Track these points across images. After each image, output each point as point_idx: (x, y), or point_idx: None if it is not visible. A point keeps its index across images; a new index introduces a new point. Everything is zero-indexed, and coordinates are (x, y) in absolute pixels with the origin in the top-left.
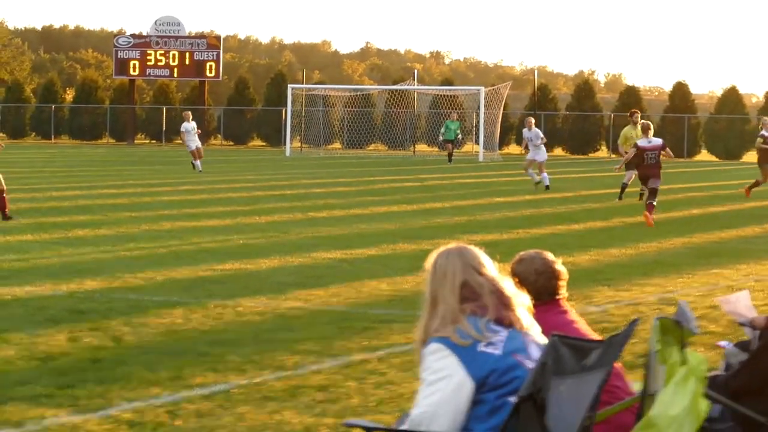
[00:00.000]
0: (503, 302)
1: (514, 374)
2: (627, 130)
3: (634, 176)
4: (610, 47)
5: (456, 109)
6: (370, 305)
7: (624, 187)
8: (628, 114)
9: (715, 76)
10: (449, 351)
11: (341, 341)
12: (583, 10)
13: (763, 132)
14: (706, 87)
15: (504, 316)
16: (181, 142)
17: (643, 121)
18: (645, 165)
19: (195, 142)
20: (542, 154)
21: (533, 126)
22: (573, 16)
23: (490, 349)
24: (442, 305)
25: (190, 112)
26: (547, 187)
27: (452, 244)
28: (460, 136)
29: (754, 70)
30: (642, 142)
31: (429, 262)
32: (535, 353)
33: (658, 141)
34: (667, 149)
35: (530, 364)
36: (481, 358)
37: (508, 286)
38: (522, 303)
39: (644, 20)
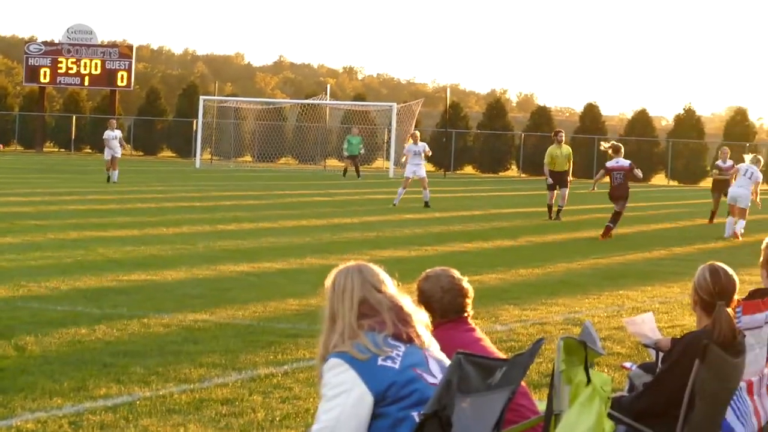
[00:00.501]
0: (402, 318)
1: (413, 387)
2: (551, 150)
3: (555, 195)
4: (523, 67)
5: (368, 124)
6: (276, 319)
7: (550, 207)
8: (552, 134)
9: (625, 99)
10: (348, 366)
11: (247, 355)
12: (496, 29)
13: (719, 162)
14: (617, 109)
15: (402, 332)
16: (89, 151)
17: (613, 142)
18: (612, 186)
19: (113, 152)
20: (423, 170)
21: (419, 140)
22: (486, 35)
23: (388, 363)
24: (341, 322)
25: (114, 121)
26: (427, 203)
27: (352, 262)
28: (362, 150)
29: (665, 94)
30: (610, 163)
31: (329, 280)
32: (435, 368)
33: (625, 162)
34: (636, 171)
35: (430, 378)
36: (380, 372)
37: (407, 303)
38: (421, 320)
39: (557, 41)
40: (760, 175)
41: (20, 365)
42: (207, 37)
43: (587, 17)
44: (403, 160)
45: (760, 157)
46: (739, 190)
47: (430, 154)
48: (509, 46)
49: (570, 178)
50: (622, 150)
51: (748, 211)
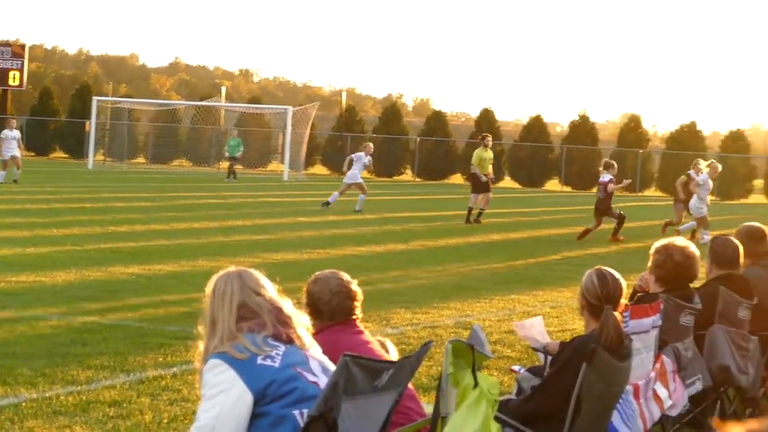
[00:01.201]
0: (282, 320)
1: (293, 385)
2: (478, 152)
3: (480, 199)
4: (419, 72)
5: (263, 127)
6: (166, 321)
7: (471, 210)
8: (480, 137)
9: (521, 105)
10: (227, 366)
11: (136, 357)
12: (393, 33)
13: (691, 172)
14: (512, 115)
15: (282, 333)
16: None
17: (606, 159)
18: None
19: (11, 152)
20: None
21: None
22: (383, 39)
23: (268, 362)
24: (221, 326)
25: (14, 120)
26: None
27: (232, 268)
28: (240, 153)
29: (560, 100)
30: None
31: (209, 286)
32: (316, 368)
33: (604, 178)
34: (610, 185)
35: (311, 377)
36: (260, 371)
37: (287, 306)
38: (302, 323)
39: (454, 46)
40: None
41: None
42: (101, 38)
43: (483, 23)
44: (345, 168)
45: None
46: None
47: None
48: (406, 51)
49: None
50: (614, 166)
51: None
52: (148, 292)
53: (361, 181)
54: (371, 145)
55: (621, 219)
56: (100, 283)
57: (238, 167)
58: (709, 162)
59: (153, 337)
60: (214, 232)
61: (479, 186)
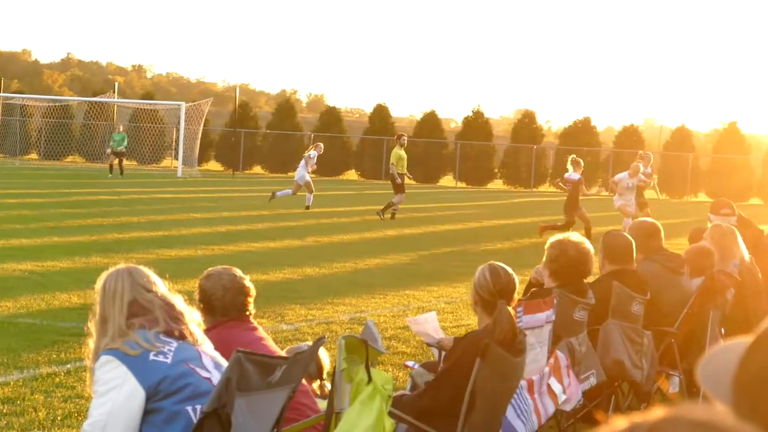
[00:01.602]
0: (173, 316)
1: (186, 381)
2: (398, 152)
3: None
4: (313, 67)
5: (157, 123)
6: (60, 318)
7: (389, 204)
8: (396, 137)
9: (415, 100)
10: (119, 362)
11: (29, 354)
12: (286, 29)
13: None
14: (407, 110)
15: (174, 329)
16: None
17: (573, 156)
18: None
19: None
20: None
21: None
22: (276, 35)
23: (160, 358)
24: (111, 323)
25: None
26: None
27: (121, 265)
28: (123, 147)
29: (454, 96)
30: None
31: (99, 283)
32: (209, 364)
33: (572, 176)
34: (564, 184)
35: (203, 373)
36: (152, 367)
37: (179, 302)
38: (193, 319)
39: (347, 42)
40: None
41: None
42: None
43: (376, 17)
44: (311, 169)
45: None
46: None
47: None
48: (300, 47)
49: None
50: (579, 164)
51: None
52: (41, 289)
53: (309, 180)
54: (322, 145)
55: (570, 225)
56: None
57: (129, 163)
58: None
59: (46, 334)
60: (108, 229)
61: (397, 186)
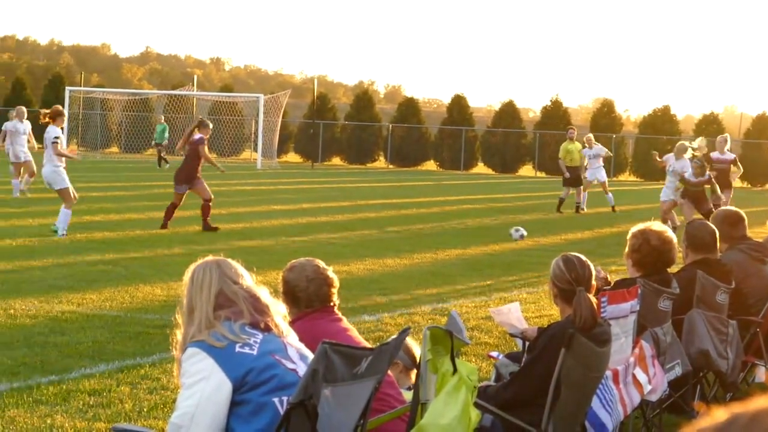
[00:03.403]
0: (259, 309)
1: (272, 372)
2: (565, 146)
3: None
4: (391, 59)
5: (236, 115)
6: (144, 310)
7: (562, 200)
8: (567, 131)
9: (493, 90)
10: (205, 354)
11: (114, 346)
12: (363, 20)
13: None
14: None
15: (260, 321)
16: None
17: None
18: None
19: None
20: None
21: None
22: (354, 26)
23: (246, 350)
24: (198, 314)
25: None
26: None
27: (210, 257)
28: (166, 140)
29: (532, 86)
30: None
31: (187, 274)
32: (294, 355)
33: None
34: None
35: (289, 364)
36: (238, 359)
37: (264, 294)
38: (279, 311)
39: (425, 33)
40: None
41: None
42: (73, 28)
43: (455, 8)
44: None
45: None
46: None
47: None
48: (377, 38)
49: (584, 175)
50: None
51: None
52: (124, 282)
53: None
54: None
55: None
56: (77, 273)
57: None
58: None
59: (131, 326)
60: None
61: (567, 179)
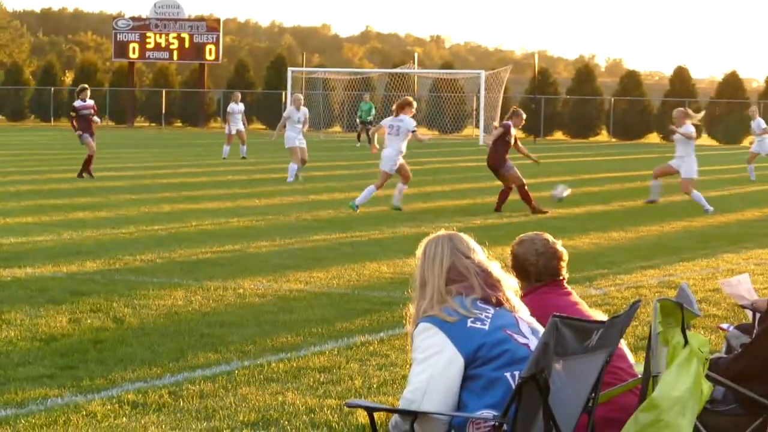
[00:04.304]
0: (490, 283)
1: (504, 347)
2: None
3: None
4: (611, 31)
5: (457, 92)
6: (371, 287)
7: None
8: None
9: (715, 61)
10: (437, 329)
11: (343, 323)
12: None
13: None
14: (707, 72)
15: (491, 296)
16: (179, 124)
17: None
18: None
19: (237, 126)
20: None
21: None
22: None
23: (477, 325)
24: (430, 288)
25: (239, 93)
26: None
27: (442, 231)
28: (371, 117)
29: (755, 55)
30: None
31: (420, 249)
32: (526, 330)
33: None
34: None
35: (521, 339)
36: (470, 334)
37: (496, 269)
38: (510, 286)
39: (645, 4)
40: None
41: (119, 337)
42: (293, 9)
43: None
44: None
45: None
46: None
47: None
48: (597, 11)
49: None
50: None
51: None
52: (351, 259)
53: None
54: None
55: None
56: (303, 252)
57: (431, 132)
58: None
59: (358, 303)
60: (414, 199)
61: None
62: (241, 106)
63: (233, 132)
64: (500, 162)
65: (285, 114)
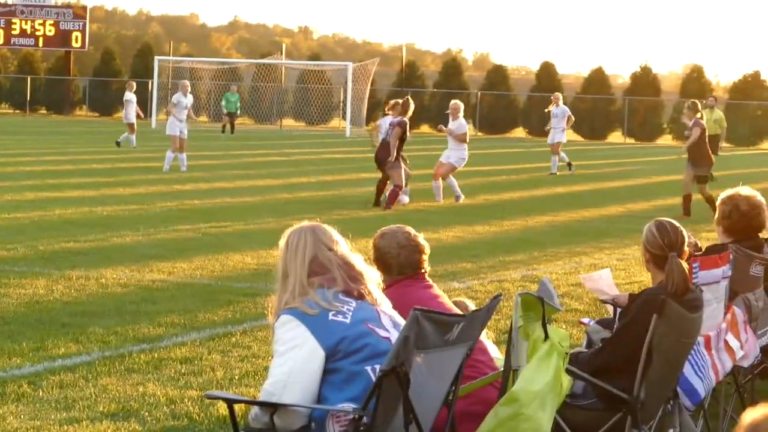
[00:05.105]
0: (352, 276)
1: (365, 341)
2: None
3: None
4: (479, 26)
5: (324, 84)
6: (234, 278)
7: None
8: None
9: (582, 57)
10: (299, 321)
11: (205, 314)
12: None
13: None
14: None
15: (353, 289)
16: (44, 112)
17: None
18: None
19: (131, 115)
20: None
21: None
22: None
23: (339, 318)
24: (292, 279)
25: (134, 83)
26: None
27: (305, 222)
28: (237, 109)
29: (621, 52)
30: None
31: (282, 240)
32: (387, 323)
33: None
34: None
35: (382, 333)
36: (331, 327)
37: (358, 261)
38: (372, 279)
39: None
40: None
41: None
42: None
43: None
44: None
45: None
46: None
47: None
48: (464, 5)
49: (722, 144)
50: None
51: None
52: (214, 250)
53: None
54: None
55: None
56: (167, 242)
57: (297, 124)
58: None
59: (222, 294)
60: (278, 190)
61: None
62: (190, 98)
63: (132, 121)
64: (389, 157)
65: (173, 99)
